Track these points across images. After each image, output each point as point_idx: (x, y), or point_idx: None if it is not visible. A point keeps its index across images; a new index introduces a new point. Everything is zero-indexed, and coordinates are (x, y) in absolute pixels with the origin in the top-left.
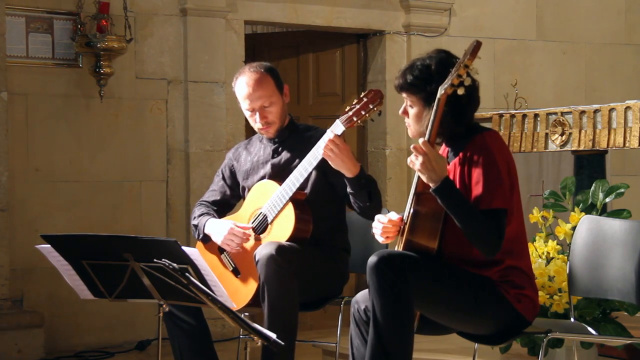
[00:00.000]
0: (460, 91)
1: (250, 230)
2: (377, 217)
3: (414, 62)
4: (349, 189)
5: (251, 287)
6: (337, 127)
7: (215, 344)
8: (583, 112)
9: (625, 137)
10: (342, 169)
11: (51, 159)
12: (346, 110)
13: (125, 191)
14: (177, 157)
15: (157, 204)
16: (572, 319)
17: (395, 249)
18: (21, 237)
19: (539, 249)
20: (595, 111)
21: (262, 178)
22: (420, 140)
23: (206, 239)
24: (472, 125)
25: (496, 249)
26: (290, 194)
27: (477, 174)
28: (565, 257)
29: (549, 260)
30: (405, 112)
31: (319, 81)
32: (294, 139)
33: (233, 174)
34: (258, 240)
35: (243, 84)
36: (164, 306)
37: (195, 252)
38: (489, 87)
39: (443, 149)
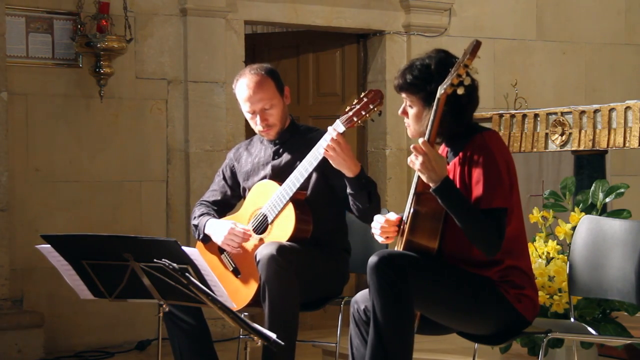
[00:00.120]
0: (460, 91)
1: (251, 230)
2: (376, 217)
3: (414, 62)
4: (348, 190)
5: (252, 287)
6: (338, 127)
7: (215, 344)
8: (583, 112)
9: (625, 137)
10: (343, 168)
11: (51, 159)
12: (346, 110)
13: (125, 191)
14: (177, 157)
15: (157, 204)
16: (572, 319)
17: (396, 249)
18: (21, 237)
19: (539, 249)
20: (595, 111)
21: (263, 179)
22: (420, 140)
23: (206, 239)
24: (471, 125)
25: (497, 249)
26: (291, 194)
27: (477, 173)
28: (565, 257)
29: (549, 260)
30: (405, 112)
31: (319, 81)
32: (295, 140)
33: (234, 174)
34: (258, 241)
35: (244, 86)
36: (164, 306)
37: (195, 252)
38: (489, 87)
39: (442, 149)
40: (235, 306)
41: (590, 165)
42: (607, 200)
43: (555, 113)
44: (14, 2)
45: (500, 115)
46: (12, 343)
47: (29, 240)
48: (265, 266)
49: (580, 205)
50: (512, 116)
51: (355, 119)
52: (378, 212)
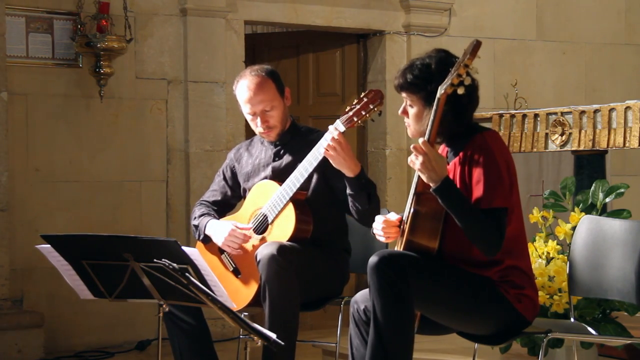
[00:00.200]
0: (460, 91)
1: (251, 231)
2: (377, 217)
3: (414, 62)
4: (348, 191)
5: (252, 287)
6: (338, 127)
7: (215, 344)
8: (583, 112)
9: (625, 137)
10: (343, 167)
11: (51, 159)
12: (346, 110)
13: (125, 191)
14: (177, 157)
15: (157, 204)
16: (572, 319)
17: (396, 249)
18: (21, 237)
19: (539, 249)
20: (595, 111)
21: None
22: (420, 140)
23: (207, 240)
24: (471, 124)
25: (497, 248)
26: (291, 194)
27: (477, 173)
28: (565, 257)
29: (549, 260)
30: (405, 112)
31: (319, 81)
32: (295, 142)
33: (234, 174)
34: (259, 241)
35: (244, 88)
36: (164, 306)
37: (195, 252)
38: (489, 87)
39: (442, 149)
40: (235, 306)
41: (590, 165)
42: (607, 200)
43: (555, 113)
44: (14, 2)
45: (500, 115)
46: (12, 343)
47: (29, 240)
48: (265, 266)
49: (580, 205)
50: (512, 116)
51: (355, 119)
52: (377, 213)
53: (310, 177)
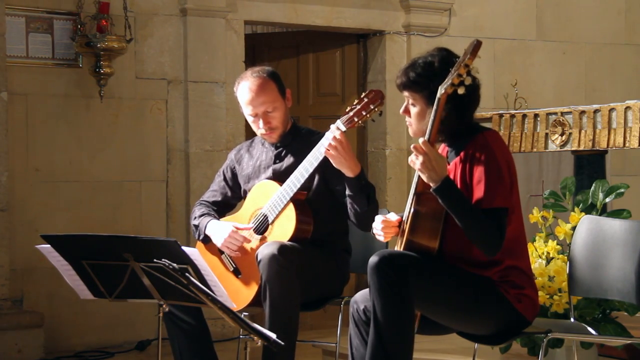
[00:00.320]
0: (461, 90)
1: (251, 231)
2: (377, 217)
3: (416, 60)
4: (347, 192)
5: (252, 287)
6: (339, 127)
7: (215, 344)
8: (583, 112)
9: (625, 137)
10: (344, 167)
11: (51, 159)
12: (347, 110)
13: (125, 191)
14: (177, 157)
15: (157, 204)
16: (572, 319)
17: (396, 249)
18: (21, 237)
19: (539, 249)
20: (595, 111)
21: None
22: (421, 140)
23: (207, 240)
24: (472, 124)
25: (497, 248)
26: (291, 194)
27: (478, 173)
28: (565, 257)
29: (549, 260)
30: (407, 111)
31: (319, 81)
32: (296, 144)
33: (234, 175)
34: (259, 241)
35: (246, 89)
36: (164, 306)
37: (195, 252)
38: (489, 87)
39: (443, 149)
40: (235, 306)
41: (590, 165)
42: (607, 200)
43: (555, 113)
44: (14, 2)
45: (500, 115)
46: (12, 343)
47: (29, 240)
48: (266, 266)
49: (580, 205)
50: (512, 116)
51: (356, 119)
52: (376, 215)
53: (310, 177)
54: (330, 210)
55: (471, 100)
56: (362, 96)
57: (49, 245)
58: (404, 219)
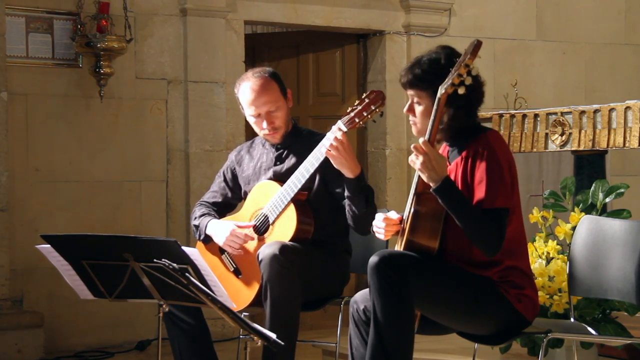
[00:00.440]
0: (461, 90)
1: (252, 231)
2: (378, 215)
3: (420, 58)
4: (347, 193)
5: (253, 287)
6: (341, 128)
7: (215, 344)
8: (583, 112)
9: (625, 137)
10: (344, 168)
11: (51, 159)
12: (348, 111)
13: (125, 191)
14: (177, 157)
15: (157, 204)
16: (572, 319)
17: (396, 249)
18: (21, 237)
19: (539, 249)
20: (595, 111)
21: None
22: (421, 140)
23: (207, 240)
24: (476, 124)
25: (497, 249)
26: (292, 195)
27: (480, 173)
28: (565, 257)
29: (549, 260)
30: (411, 110)
31: (319, 81)
32: (297, 145)
33: (235, 176)
34: (259, 241)
35: (248, 90)
36: (164, 306)
37: (195, 252)
38: (489, 87)
39: (443, 149)
40: (235, 306)
41: (590, 165)
42: (607, 200)
43: (555, 113)
44: (14, 2)
45: (500, 115)
46: (12, 343)
47: (29, 240)
48: (267, 266)
49: (580, 205)
50: (512, 116)
51: (357, 120)
52: (373, 220)
53: (311, 177)
54: (331, 210)
55: (478, 97)
56: (363, 97)
57: (49, 245)
58: (404, 218)
